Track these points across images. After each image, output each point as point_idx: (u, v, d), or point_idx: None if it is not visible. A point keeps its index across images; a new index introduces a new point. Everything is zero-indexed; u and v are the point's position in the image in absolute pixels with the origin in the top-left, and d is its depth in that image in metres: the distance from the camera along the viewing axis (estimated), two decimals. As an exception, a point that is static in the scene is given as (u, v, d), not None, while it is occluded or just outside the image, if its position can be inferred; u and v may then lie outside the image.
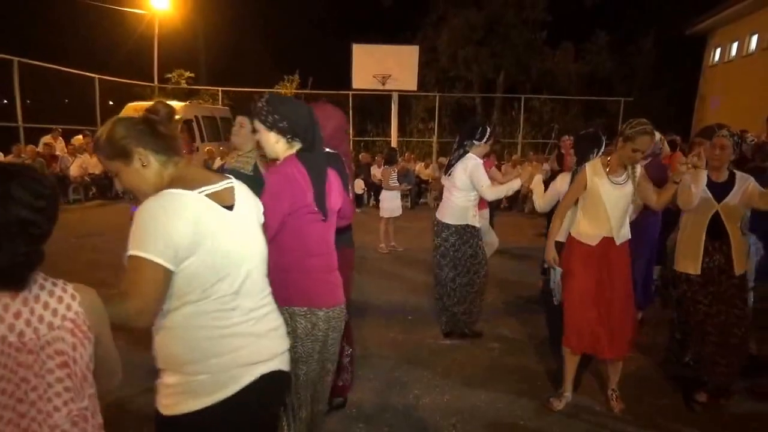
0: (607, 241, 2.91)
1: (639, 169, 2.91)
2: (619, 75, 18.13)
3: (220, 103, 16.95)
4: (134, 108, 13.67)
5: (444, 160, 10.10)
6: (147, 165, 1.46)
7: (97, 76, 14.50)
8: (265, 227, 1.66)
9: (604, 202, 2.88)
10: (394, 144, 14.07)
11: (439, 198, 4.93)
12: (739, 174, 3.10)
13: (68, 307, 1.11)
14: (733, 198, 3.02)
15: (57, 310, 1.10)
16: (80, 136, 12.45)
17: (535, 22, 17.95)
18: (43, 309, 1.09)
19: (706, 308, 3.05)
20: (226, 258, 1.44)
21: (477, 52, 17.64)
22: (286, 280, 1.85)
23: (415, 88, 12.79)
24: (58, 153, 11.25)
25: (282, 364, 1.57)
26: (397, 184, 7.51)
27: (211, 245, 1.41)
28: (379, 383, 3.37)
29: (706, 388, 3.14)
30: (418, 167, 12.99)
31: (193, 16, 18.61)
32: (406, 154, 14.06)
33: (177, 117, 1.54)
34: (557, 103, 16.96)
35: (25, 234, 1.07)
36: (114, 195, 11.55)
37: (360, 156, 12.53)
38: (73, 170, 11.13)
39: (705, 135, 3.61)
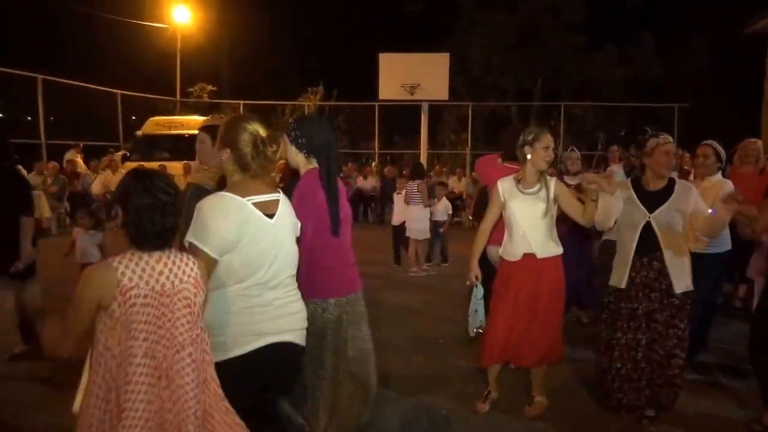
0: (529, 257, 2.99)
1: (554, 184, 2.99)
2: (670, 79, 17.65)
3: (242, 117, 17.33)
4: (156, 122, 14.14)
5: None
6: (227, 161, 2.00)
7: (119, 91, 15.07)
8: (302, 234, 2.15)
9: (517, 217, 2.98)
10: (423, 156, 14.03)
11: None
12: (680, 182, 3.05)
13: (191, 269, 1.69)
14: (668, 208, 2.95)
15: (184, 270, 1.67)
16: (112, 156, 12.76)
17: (574, 26, 17.76)
18: (177, 268, 1.66)
19: (622, 323, 3.01)
20: (260, 257, 1.92)
21: (512, 58, 17.54)
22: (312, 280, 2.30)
23: (446, 97, 12.78)
24: (80, 170, 11.62)
25: (295, 338, 2.04)
26: (422, 201, 7.05)
27: (248, 245, 1.88)
28: (405, 404, 3.37)
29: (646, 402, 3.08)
30: (451, 181, 12.85)
31: (214, 29, 19.23)
32: (437, 167, 13.99)
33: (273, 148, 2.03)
34: (601, 110, 16.61)
35: (167, 211, 1.66)
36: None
37: (385, 170, 12.53)
38: (95, 188, 11.47)
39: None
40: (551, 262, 3.01)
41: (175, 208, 1.69)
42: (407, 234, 7.23)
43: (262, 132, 2.01)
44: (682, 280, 2.96)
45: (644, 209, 2.99)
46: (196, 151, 3.02)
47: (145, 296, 1.57)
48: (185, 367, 1.61)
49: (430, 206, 7.24)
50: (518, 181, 3.05)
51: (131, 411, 1.51)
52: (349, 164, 14.70)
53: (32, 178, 10.52)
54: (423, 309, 5.57)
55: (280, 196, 2.04)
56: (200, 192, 2.39)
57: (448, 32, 18.25)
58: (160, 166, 12.31)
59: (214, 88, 18.07)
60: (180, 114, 16.36)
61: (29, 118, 14.34)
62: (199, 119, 14.18)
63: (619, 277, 3.05)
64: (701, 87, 17.53)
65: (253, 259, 1.90)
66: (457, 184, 12.59)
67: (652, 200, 2.98)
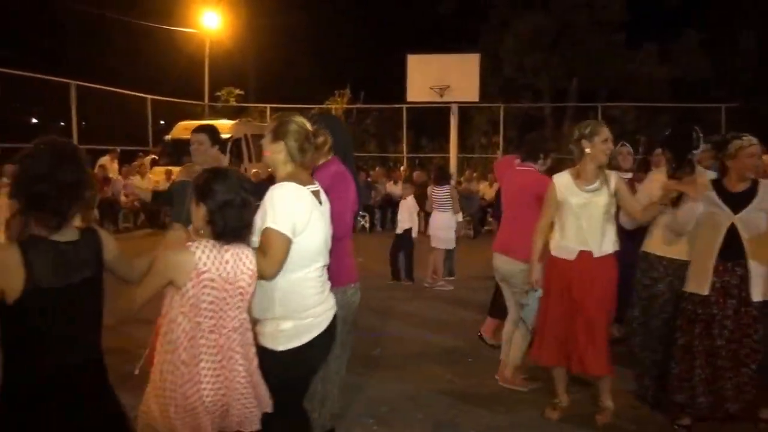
0: (586, 255, 2.95)
1: (614, 178, 2.96)
2: (717, 78, 16.87)
3: (268, 120, 17.44)
4: (185, 126, 14.28)
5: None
6: (278, 153, 2.22)
7: (149, 96, 15.34)
8: (341, 220, 2.41)
9: (575, 215, 2.94)
10: (453, 160, 13.78)
11: None
12: (763, 182, 2.91)
13: (250, 261, 1.92)
14: (754, 209, 2.84)
15: (244, 262, 1.90)
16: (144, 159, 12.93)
17: (612, 23, 17.19)
18: (239, 259, 1.88)
19: (701, 331, 2.93)
20: (319, 243, 2.19)
21: (546, 58, 17.08)
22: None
23: (477, 99, 12.53)
24: (110, 176, 11.80)
25: (333, 324, 2.26)
26: (453, 207, 6.72)
27: (311, 230, 2.14)
28: (432, 423, 3.29)
29: (689, 411, 3.02)
30: (482, 187, 12.54)
31: (242, 34, 19.43)
32: (468, 172, 13.68)
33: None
34: (642, 111, 16.01)
35: (248, 208, 1.91)
36: (162, 225, 11.90)
37: (415, 174, 12.32)
38: (124, 195, 11.62)
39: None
40: (608, 261, 2.98)
41: (253, 205, 1.96)
42: (432, 244, 6.89)
43: (309, 125, 2.27)
44: (760, 288, 2.86)
45: (729, 210, 2.88)
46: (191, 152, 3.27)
47: (213, 280, 1.81)
48: (236, 347, 1.87)
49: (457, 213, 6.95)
50: (576, 177, 2.98)
51: (203, 380, 1.78)
52: (377, 169, 14.54)
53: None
54: (449, 324, 5.38)
55: (320, 187, 2.28)
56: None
57: (478, 33, 17.94)
58: (186, 164, 12.43)
59: (242, 92, 18.24)
60: (209, 118, 16.57)
61: (62, 123, 14.74)
62: (227, 123, 14.30)
63: (699, 283, 2.95)
64: (750, 86, 16.68)
65: (315, 244, 2.15)
66: (488, 190, 12.24)
67: (736, 201, 2.90)
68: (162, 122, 16.37)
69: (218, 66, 18.65)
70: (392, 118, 16.70)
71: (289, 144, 2.19)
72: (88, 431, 1.66)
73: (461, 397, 3.63)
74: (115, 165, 12.43)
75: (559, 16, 17.15)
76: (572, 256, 2.98)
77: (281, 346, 2.10)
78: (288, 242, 2.04)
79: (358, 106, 16.95)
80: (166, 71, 18.47)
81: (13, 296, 1.54)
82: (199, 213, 1.87)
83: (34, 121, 18.64)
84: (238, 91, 18.04)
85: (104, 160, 12.36)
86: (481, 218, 11.60)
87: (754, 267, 2.85)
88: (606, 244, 2.96)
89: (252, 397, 1.91)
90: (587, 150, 2.93)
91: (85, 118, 13.95)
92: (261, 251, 2.02)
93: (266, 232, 2.03)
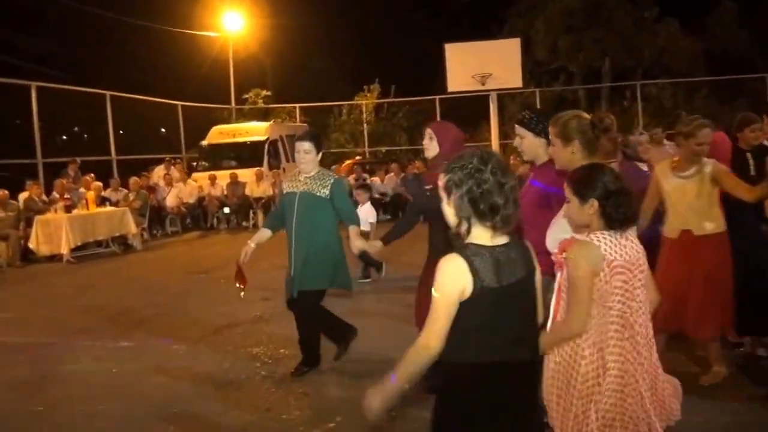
0: (686, 234, 3.22)
1: (711, 166, 3.16)
2: (759, 48, 16.69)
3: (297, 119, 17.47)
4: (220, 131, 14.41)
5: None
6: (575, 153, 2.28)
7: (179, 103, 15.43)
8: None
9: (671, 197, 3.23)
10: (495, 149, 13.73)
11: None
12: None
13: (637, 242, 1.96)
14: None
15: (633, 242, 1.95)
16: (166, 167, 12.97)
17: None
18: (630, 242, 1.94)
19: None
20: None
21: (578, 39, 17.00)
22: None
23: (520, 84, 12.55)
24: (152, 184, 11.89)
25: None
26: None
27: None
28: None
29: None
30: (521, 170, 12.48)
31: (264, 34, 19.48)
32: (512, 157, 13.65)
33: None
34: (678, 87, 15.91)
35: (630, 195, 1.94)
36: (209, 226, 11.99)
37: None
38: (170, 201, 11.73)
39: None
40: (710, 240, 3.20)
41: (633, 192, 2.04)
42: None
43: (586, 114, 2.34)
44: None
45: None
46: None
47: (621, 266, 1.88)
48: (642, 324, 1.93)
49: None
50: (673, 165, 3.27)
51: (611, 369, 1.84)
52: (416, 161, 14.54)
53: (110, 195, 10.88)
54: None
55: None
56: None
57: (504, 18, 17.87)
58: (231, 174, 12.60)
59: (269, 93, 18.28)
60: (237, 121, 16.66)
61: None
62: (261, 125, 14.38)
63: None
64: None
65: None
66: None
67: None
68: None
69: (241, 68, 18.72)
70: (425, 110, 16.67)
71: (584, 139, 2.26)
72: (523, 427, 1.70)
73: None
74: (174, 171, 12.41)
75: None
76: (674, 235, 3.26)
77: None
78: None
79: (389, 100, 16.94)
80: (190, 76, 18.59)
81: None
82: (585, 208, 1.91)
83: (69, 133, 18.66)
84: (265, 92, 18.11)
85: (160, 169, 12.41)
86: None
87: None
88: (706, 225, 3.18)
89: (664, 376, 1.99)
90: (682, 145, 3.23)
91: (119, 128, 14.02)
92: None
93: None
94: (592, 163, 2.08)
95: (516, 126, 2.79)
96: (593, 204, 1.88)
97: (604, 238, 1.88)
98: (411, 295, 3.48)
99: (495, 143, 13.87)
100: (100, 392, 3.55)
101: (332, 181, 3.52)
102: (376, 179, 13.17)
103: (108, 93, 12.72)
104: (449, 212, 1.62)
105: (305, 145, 3.45)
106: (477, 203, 1.55)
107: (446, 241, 3.09)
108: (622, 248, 1.89)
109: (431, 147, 3.23)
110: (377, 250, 3.43)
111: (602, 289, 1.86)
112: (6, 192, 8.80)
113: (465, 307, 1.54)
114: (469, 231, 1.59)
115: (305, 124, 16.24)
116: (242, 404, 3.31)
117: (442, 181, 1.62)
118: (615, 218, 1.88)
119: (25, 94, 10.67)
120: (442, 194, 1.61)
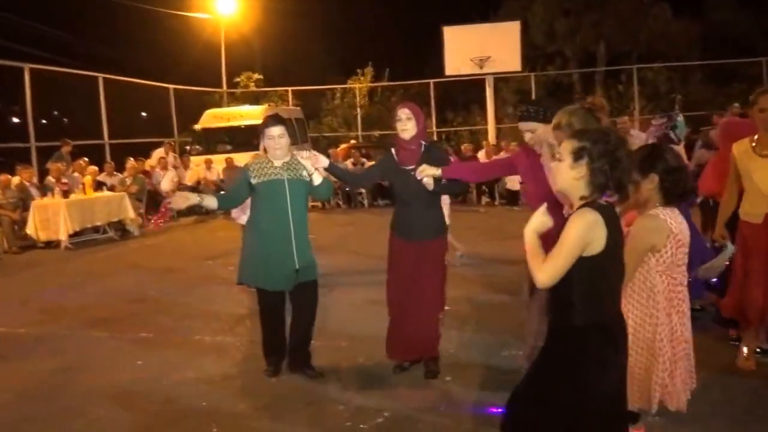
0: None
1: None
2: (757, 32, 16.73)
3: (290, 103, 17.27)
4: (213, 114, 14.22)
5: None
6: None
7: (171, 86, 15.14)
8: None
9: (754, 180, 2.99)
10: (491, 133, 13.78)
11: None
12: None
13: (677, 222, 2.10)
14: None
15: (680, 219, 2.06)
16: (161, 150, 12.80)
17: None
18: (680, 217, 2.08)
19: None
20: None
21: (575, 22, 16.96)
22: None
23: (519, 68, 12.53)
24: (148, 168, 11.71)
25: None
26: None
27: None
28: None
29: None
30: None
31: (256, 16, 19.11)
32: (504, 143, 13.69)
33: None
34: (673, 71, 16.00)
35: (685, 173, 2.17)
36: (205, 211, 11.87)
37: (463, 147, 12.30)
38: (165, 185, 11.56)
39: None
40: None
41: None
42: None
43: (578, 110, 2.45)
44: None
45: None
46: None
47: (682, 240, 2.07)
48: (683, 296, 2.12)
49: None
50: (754, 144, 3.06)
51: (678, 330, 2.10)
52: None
53: (105, 179, 10.70)
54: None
55: None
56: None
57: (499, 2, 17.76)
58: (227, 158, 12.45)
59: (261, 77, 18.01)
60: (229, 105, 16.42)
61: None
62: (255, 109, 14.20)
63: None
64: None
65: None
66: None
67: None
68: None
69: (233, 51, 18.40)
70: (420, 94, 16.58)
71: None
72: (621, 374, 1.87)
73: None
74: (172, 155, 12.28)
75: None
76: (758, 220, 3.02)
77: None
78: None
79: (383, 84, 16.82)
80: (181, 59, 18.22)
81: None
82: (646, 184, 2.06)
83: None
84: (257, 76, 17.83)
85: (161, 152, 12.21)
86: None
87: None
88: None
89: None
90: (757, 119, 3.03)
91: (111, 111, 13.75)
92: None
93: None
94: (653, 143, 2.25)
95: (521, 123, 2.76)
96: (653, 179, 2.02)
97: (664, 214, 2.04)
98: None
99: (491, 127, 13.92)
100: (128, 388, 3.46)
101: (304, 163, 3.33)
102: (372, 163, 13.14)
103: (100, 75, 12.46)
104: (567, 174, 1.74)
105: (278, 130, 3.22)
106: (608, 176, 1.72)
107: (425, 219, 3.22)
108: (679, 223, 2.06)
109: (410, 127, 3.17)
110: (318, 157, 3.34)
111: (668, 261, 2.04)
112: (9, 176, 8.69)
113: (596, 261, 1.68)
114: (592, 195, 1.74)
115: (298, 108, 16.09)
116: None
117: (572, 144, 1.74)
118: (673, 192, 2.03)
119: (18, 76, 10.40)
120: (566, 156, 1.74)
